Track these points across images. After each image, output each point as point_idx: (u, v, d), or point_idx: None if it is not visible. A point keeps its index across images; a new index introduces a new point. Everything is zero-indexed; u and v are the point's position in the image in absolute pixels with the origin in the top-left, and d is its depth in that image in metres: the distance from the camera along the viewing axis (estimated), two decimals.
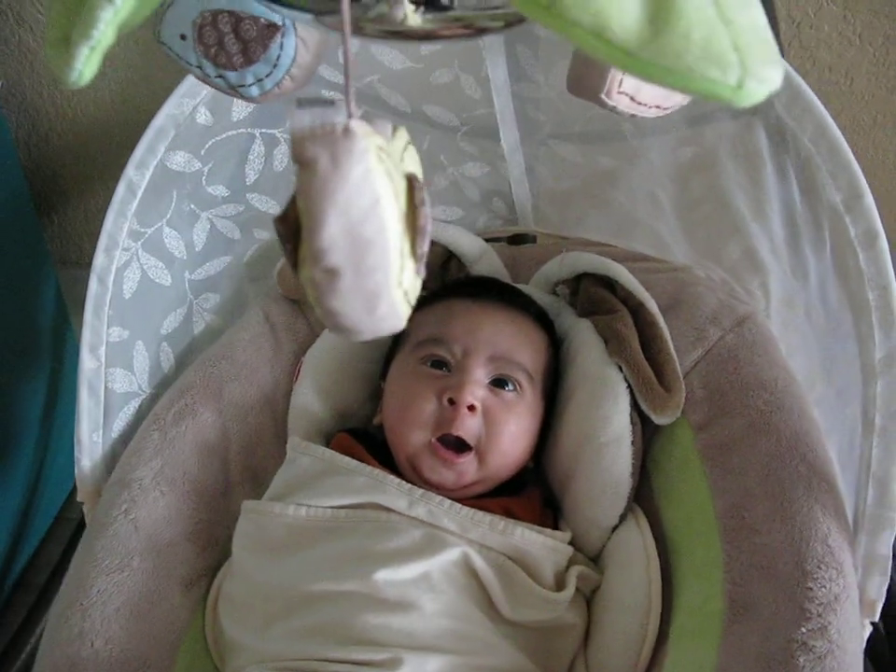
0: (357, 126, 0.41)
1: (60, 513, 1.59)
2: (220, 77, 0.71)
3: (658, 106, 0.64)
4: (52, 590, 1.40)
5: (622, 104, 0.63)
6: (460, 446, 0.94)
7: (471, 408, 0.94)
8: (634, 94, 0.62)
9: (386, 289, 0.43)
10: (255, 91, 0.71)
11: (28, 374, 1.44)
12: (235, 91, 0.72)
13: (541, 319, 1.06)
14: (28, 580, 1.50)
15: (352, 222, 0.41)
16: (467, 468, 0.94)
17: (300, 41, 0.67)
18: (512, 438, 0.96)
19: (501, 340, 0.99)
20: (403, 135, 0.47)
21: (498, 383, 0.97)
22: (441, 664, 0.82)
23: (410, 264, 0.44)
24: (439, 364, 0.98)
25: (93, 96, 1.51)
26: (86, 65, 0.45)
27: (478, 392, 0.95)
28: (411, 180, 0.44)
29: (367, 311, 0.44)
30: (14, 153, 1.41)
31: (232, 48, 0.69)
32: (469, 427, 0.94)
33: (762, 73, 0.39)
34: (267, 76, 0.69)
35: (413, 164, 0.47)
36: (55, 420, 1.50)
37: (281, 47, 0.68)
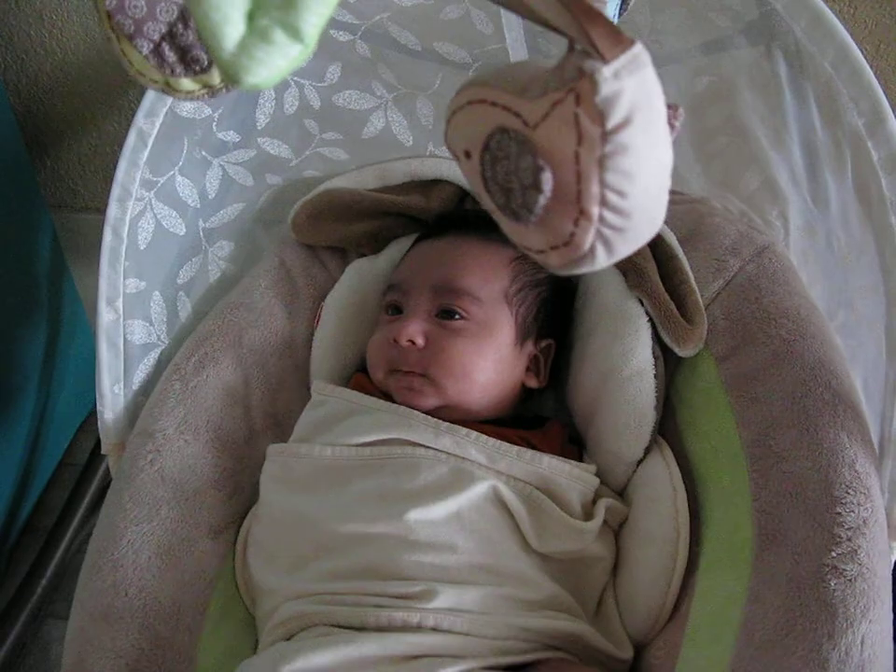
0: None
1: (63, 458, 1.60)
2: None
3: None
4: (59, 534, 1.43)
5: None
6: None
7: (412, 342, 0.96)
8: None
9: None
10: None
11: (27, 319, 1.44)
12: None
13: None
14: (35, 524, 1.52)
15: None
16: (421, 386, 0.96)
17: None
18: (459, 359, 0.96)
19: (441, 267, 1.00)
20: None
21: (444, 314, 0.98)
22: (476, 594, 0.83)
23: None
24: (395, 310, 1.02)
25: (83, 35, 1.48)
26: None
27: (416, 327, 0.97)
28: None
29: None
30: (4, 95, 1.39)
31: None
32: (410, 360, 0.97)
33: None
34: None
35: None
36: (56, 364, 1.51)
37: None
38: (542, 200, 0.48)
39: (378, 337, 1.01)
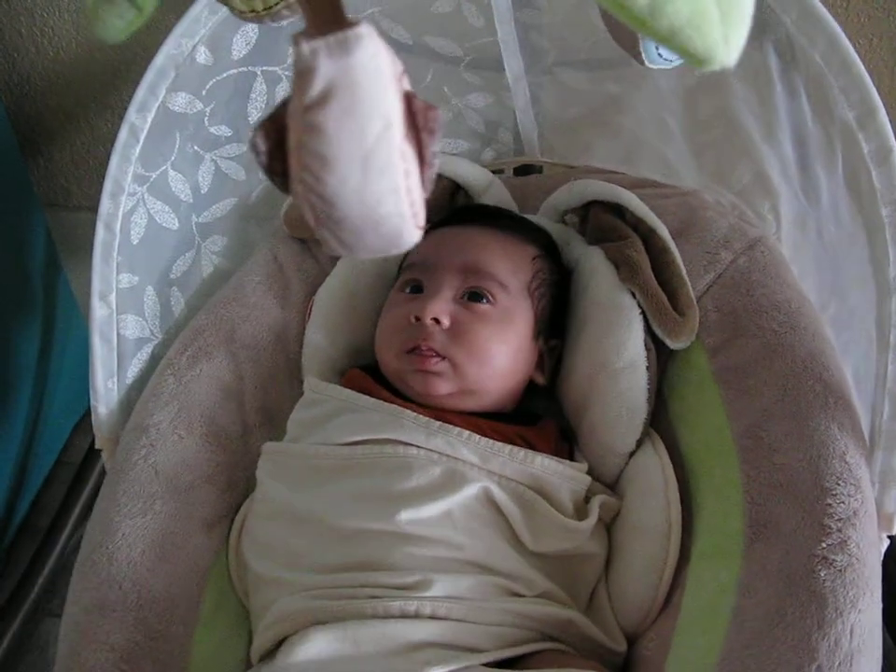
0: None
1: (59, 457, 1.60)
2: None
3: None
4: (56, 533, 1.43)
5: None
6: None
7: (437, 321, 0.95)
8: None
9: None
10: None
11: (22, 318, 1.43)
12: None
13: (528, 234, 1.06)
14: (31, 523, 1.52)
15: None
16: (442, 369, 0.95)
17: None
18: (485, 344, 0.96)
19: (469, 251, 1.00)
20: None
21: (472, 297, 0.98)
22: (472, 581, 0.84)
23: None
24: (416, 288, 1.00)
25: (74, 34, 1.48)
26: None
27: (443, 306, 0.96)
28: None
29: None
30: None
31: None
32: (435, 338, 0.95)
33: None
34: None
35: None
36: (51, 363, 1.50)
37: None
38: (259, 165, 0.48)
39: (394, 315, 1.00)
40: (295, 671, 0.79)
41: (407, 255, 1.08)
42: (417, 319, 0.96)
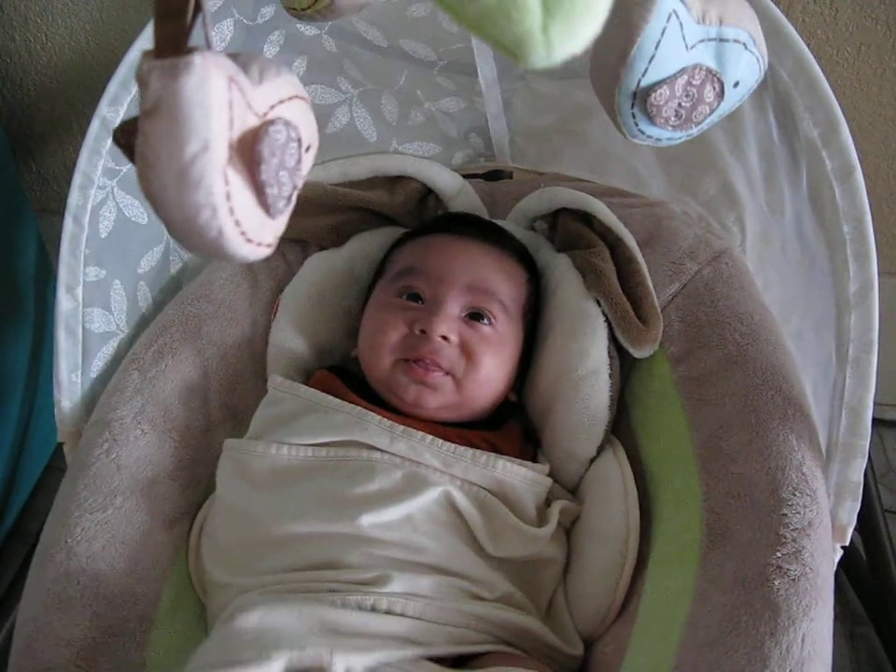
0: None
1: (51, 462, 1.58)
2: None
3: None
4: None
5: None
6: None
7: (445, 338, 0.95)
8: None
9: None
10: None
11: (13, 323, 1.42)
12: None
13: (521, 255, 1.07)
14: (22, 529, 1.50)
15: None
16: (441, 384, 0.95)
17: None
18: (491, 369, 0.97)
19: (476, 269, 1.00)
20: None
21: (474, 316, 0.98)
22: (431, 581, 0.84)
23: None
24: (414, 297, 1.00)
25: (68, 39, 1.47)
26: None
27: (451, 324, 0.96)
28: None
29: None
30: None
31: None
32: (443, 354, 0.95)
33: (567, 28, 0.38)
34: None
35: None
36: (42, 369, 1.49)
37: None
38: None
39: (389, 321, 0.98)
40: (231, 632, 0.78)
41: (390, 256, 1.08)
42: (423, 332, 0.95)
